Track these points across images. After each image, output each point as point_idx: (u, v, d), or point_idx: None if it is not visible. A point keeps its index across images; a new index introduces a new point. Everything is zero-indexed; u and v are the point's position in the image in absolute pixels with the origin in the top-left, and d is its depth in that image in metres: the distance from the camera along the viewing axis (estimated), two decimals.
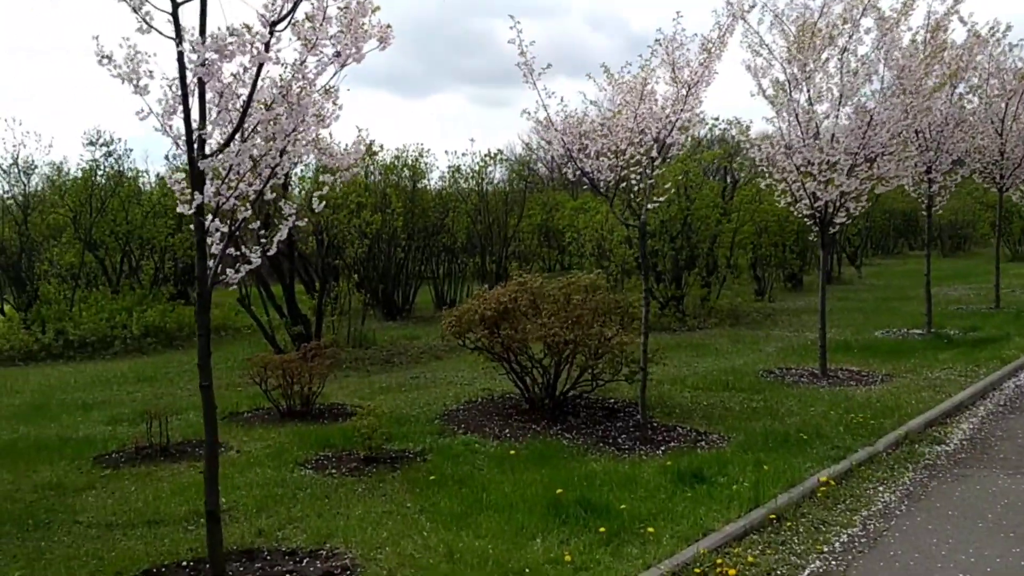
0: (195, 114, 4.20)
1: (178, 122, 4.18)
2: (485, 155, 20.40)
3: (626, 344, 8.23)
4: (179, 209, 4.35)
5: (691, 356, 12.40)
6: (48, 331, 15.30)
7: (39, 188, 18.78)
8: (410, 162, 20.70)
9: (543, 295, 8.92)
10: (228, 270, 4.51)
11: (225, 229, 4.45)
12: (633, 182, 7.68)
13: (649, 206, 7.72)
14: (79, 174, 17.86)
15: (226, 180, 4.26)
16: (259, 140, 4.25)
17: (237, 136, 4.21)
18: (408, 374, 12.12)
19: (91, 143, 17.09)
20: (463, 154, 21.01)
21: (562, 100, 7.52)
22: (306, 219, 13.66)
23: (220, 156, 4.21)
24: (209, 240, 4.41)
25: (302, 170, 15.14)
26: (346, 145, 4.64)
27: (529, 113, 7.77)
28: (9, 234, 17.09)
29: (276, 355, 9.84)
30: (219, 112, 4.13)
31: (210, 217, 4.30)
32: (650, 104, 7.50)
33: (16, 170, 16.89)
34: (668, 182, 8.30)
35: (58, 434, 8.71)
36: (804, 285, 23.08)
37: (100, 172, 17.35)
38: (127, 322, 15.80)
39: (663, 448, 7.42)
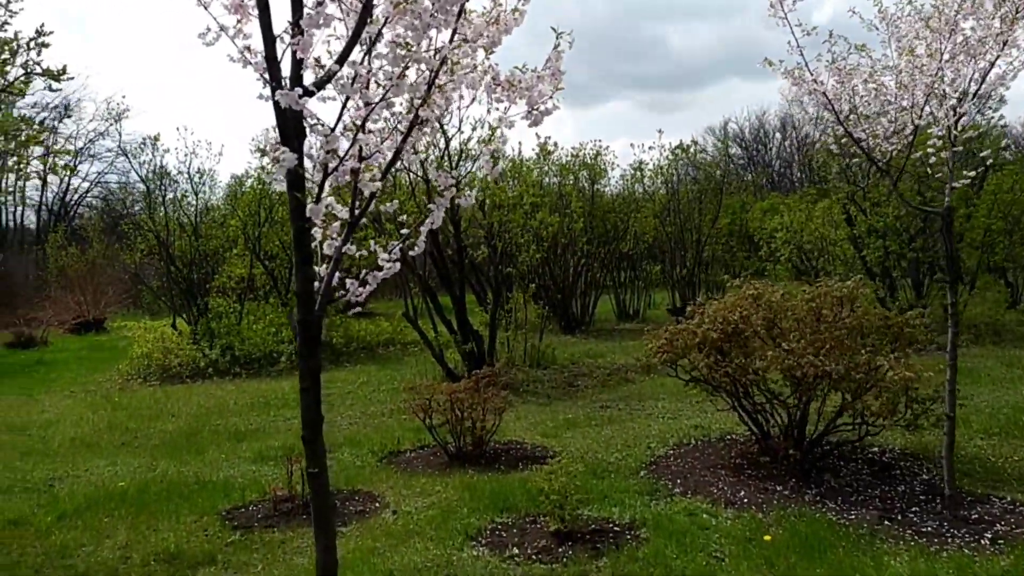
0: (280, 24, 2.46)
1: (255, 34, 2.45)
2: (676, 147, 18.14)
3: (911, 379, 5.89)
4: (275, 186, 2.62)
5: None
6: (215, 347, 14.63)
7: (213, 199, 18.53)
8: (588, 161, 18.90)
9: (783, 310, 6.73)
10: (349, 281, 2.75)
11: (344, 214, 2.68)
12: (930, 150, 5.37)
13: (956, 184, 5.38)
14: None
15: (340, 127, 2.48)
16: (387, 61, 2.44)
17: (355, 50, 2.42)
18: (596, 402, 10.20)
19: (259, 150, 16.44)
20: (649, 147, 18.86)
21: (831, 36, 5.33)
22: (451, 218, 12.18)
23: (329, 86, 2.44)
24: (317, 233, 2.66)
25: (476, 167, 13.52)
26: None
27: (773, 63, 5.64)
28: (183, 247, 16.73)
29: (442, 383, 8.19)
30: (319, 5, 2.35)
31: (316, 191, 2.54)
32: (961, 37, 5.17)
33: (189, 179, 16.51)
34: (987, 150, 5.90)
35: (196, 475, 7.45)
36: None
37: (268, 181, 16.66)
38: (293, 337, 14.90)
39: (988, 534, 5.04)
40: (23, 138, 5.50)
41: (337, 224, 2.78)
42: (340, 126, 2.50)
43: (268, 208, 16.02)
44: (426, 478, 6.92)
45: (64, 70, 4.81)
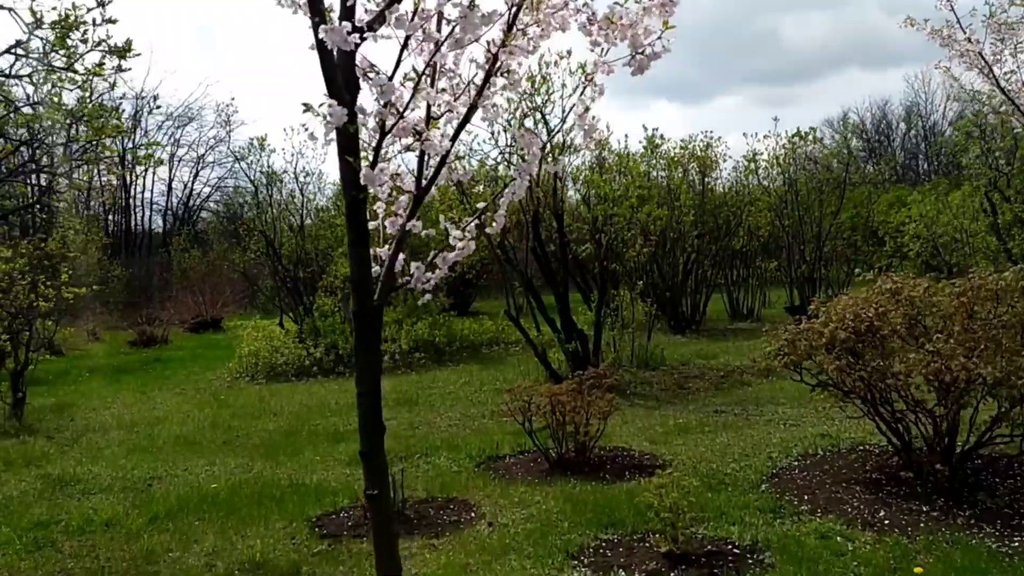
0: None
1: None
2: (794, 135, 17.08)
3: None
4: (312, 133, 2.23)
5: None
6: (320, 345, 14.63)
7: (320, 199, 18.68)
8: (698, 153, 18.05)
9: (927, 307, 5.93)
10: (415, 265, 2.29)
11: (410, 186, 2.23)
12: None
13: None
14: None
15: (399, 75, 2.03)
16: None
17: None
18: (709, 407, 9.52)
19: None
20: (764, 136, 17.87)
21: None
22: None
23: (385, 25, 1.99)
24: (377, 208, 2.22)
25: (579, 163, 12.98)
26: None
27: (916, 22, 4.89)
28: (290, 247, 16.88)
29: (544, 385, 7.72)
30: None
31: (372, 148, 2.10)
32: None
33: (295, 180, 16.64)
34: None
35: (290, 477, 7.23)
36: None
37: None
38: (396, 335, 14.76)
39: None
40: (99, 125, 5.33)
41: (404, 198, 2.34)
42: (400, 73, 2.06)
43: None
44: (525, 487, 6.46)
45: (129, 46, 4.55)
